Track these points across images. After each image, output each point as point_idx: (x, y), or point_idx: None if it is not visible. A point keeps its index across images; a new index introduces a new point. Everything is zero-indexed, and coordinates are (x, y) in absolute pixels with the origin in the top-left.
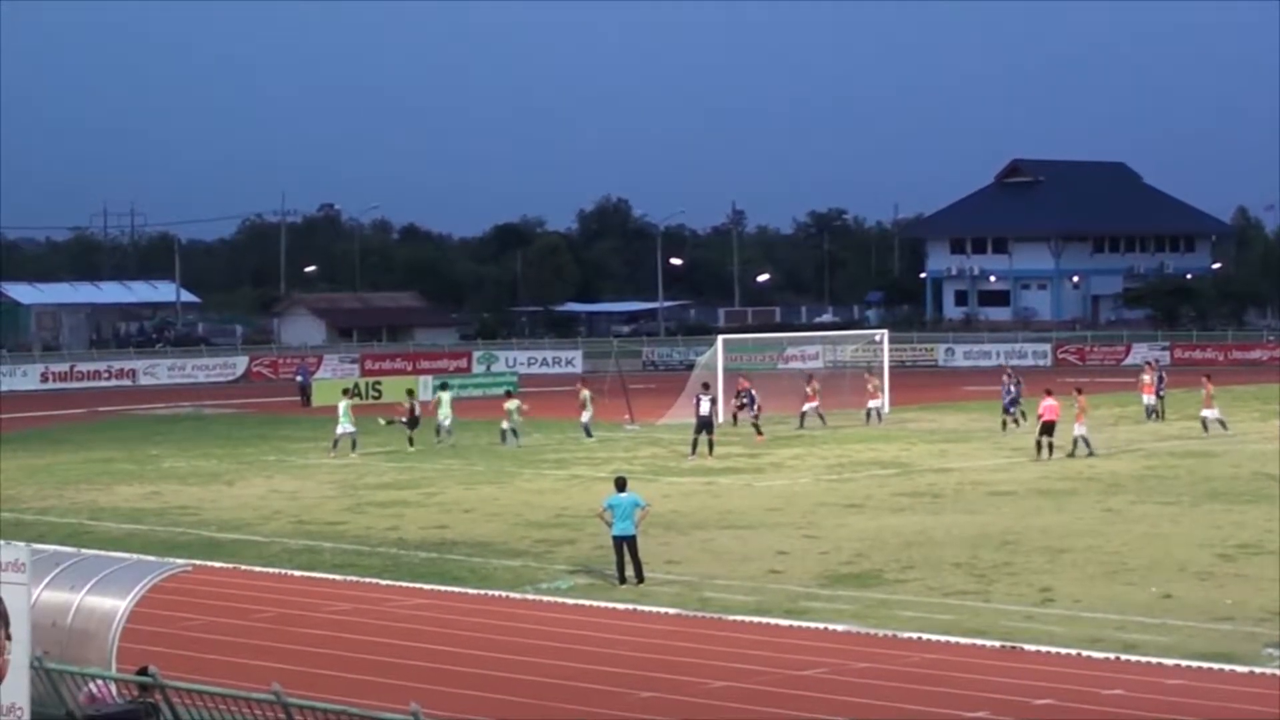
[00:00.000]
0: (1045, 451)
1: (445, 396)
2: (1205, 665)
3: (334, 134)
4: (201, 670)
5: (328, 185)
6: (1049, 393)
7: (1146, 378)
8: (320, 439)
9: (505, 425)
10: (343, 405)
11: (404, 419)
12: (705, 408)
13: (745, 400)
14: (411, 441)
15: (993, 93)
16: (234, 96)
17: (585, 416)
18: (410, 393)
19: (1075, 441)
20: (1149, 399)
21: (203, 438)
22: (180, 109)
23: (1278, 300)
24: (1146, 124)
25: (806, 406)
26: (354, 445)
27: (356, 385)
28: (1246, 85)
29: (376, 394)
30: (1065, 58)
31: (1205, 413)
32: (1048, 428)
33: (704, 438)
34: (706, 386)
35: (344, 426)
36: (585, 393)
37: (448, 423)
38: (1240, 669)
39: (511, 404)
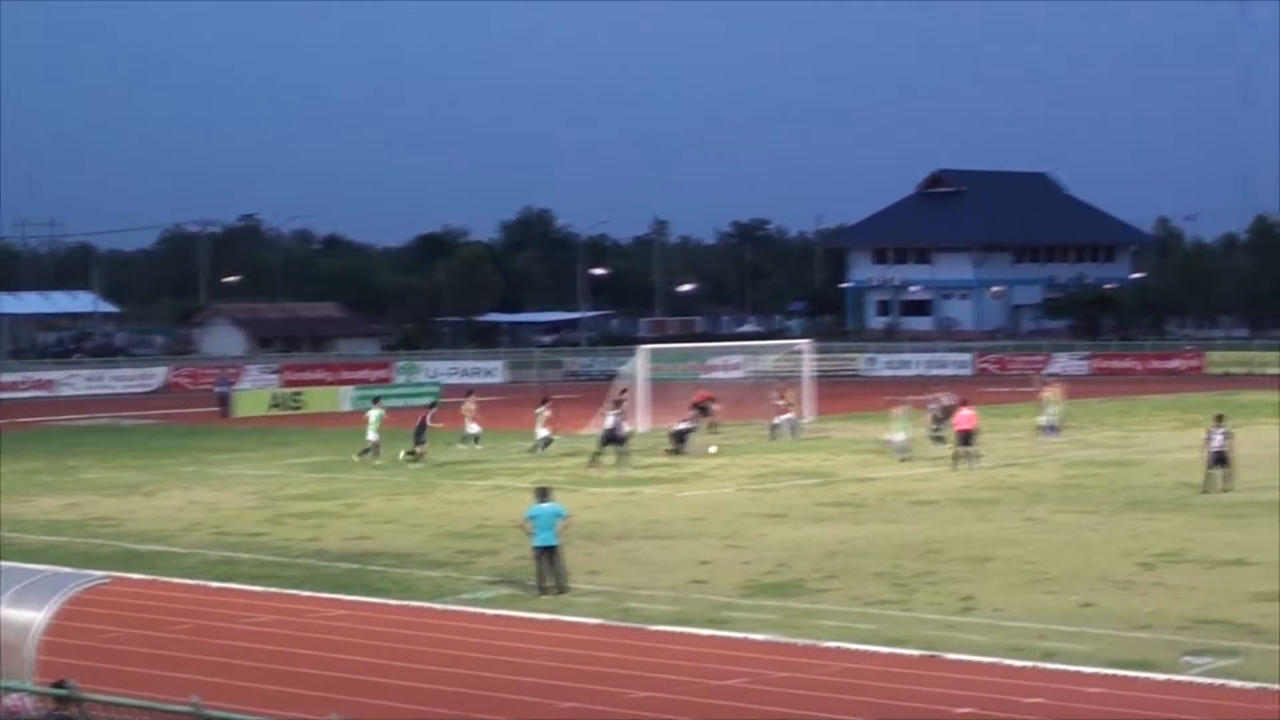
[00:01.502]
0: (964, 462)
1: (374, 414)
2: (1125, 673)
3: (256, 143)
4: (120, 683)
5: (249, 195)
6: (965, 403)
7: (1047, 392)
8: (241, 450)
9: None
10: (374, 414)
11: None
12: (611, 421)
13: (700, 411)
14: (416, 457)
15: (915, 103)
16: (155, 105)
17: (542, 432)
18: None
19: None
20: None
21: (121, 449)
22: (100, 117)
23: (1197, 310)
24: (1068, 134)
25: (780, 419)
26: (377, 453)
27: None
28: (1168, 96)
29: (296, 405)
30: (987, 68)
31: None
32: (965, 438)
33: (612, 450)
34: (619, 403)
35: (374, 435)
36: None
37: (375, 438)
38: (1160, 677)
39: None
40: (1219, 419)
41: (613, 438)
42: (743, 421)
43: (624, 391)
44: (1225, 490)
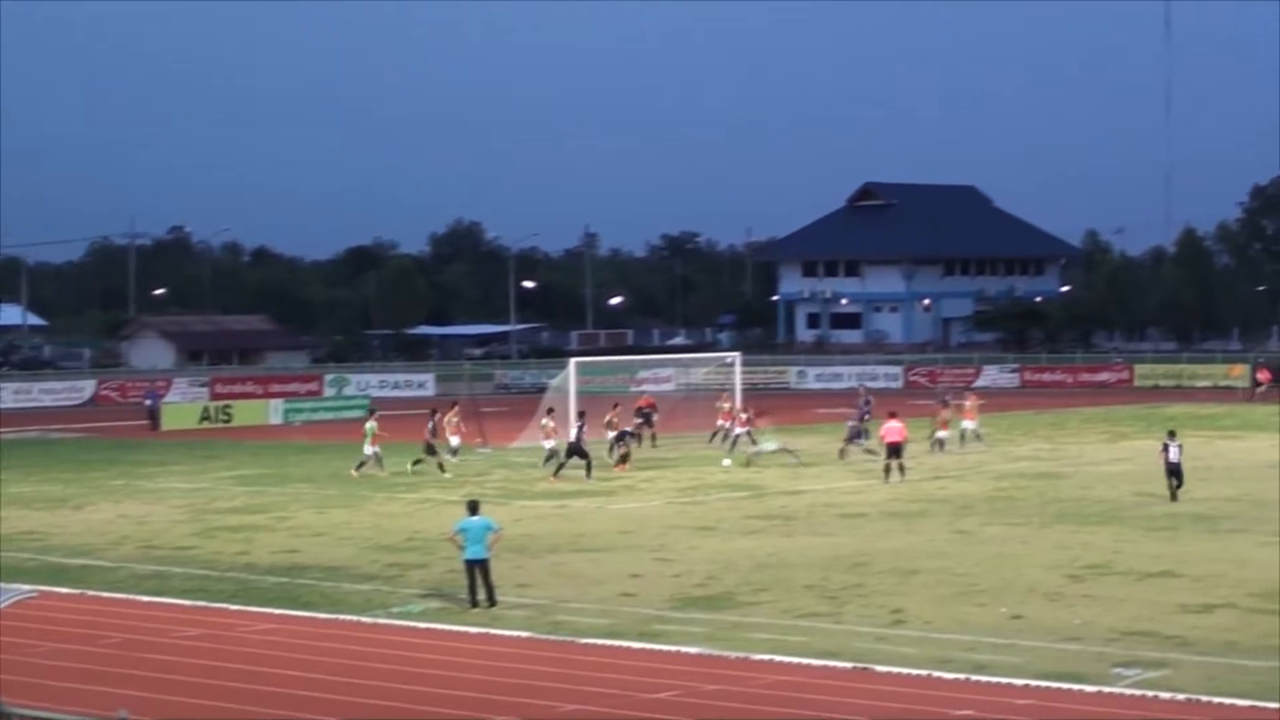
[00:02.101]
0: (894, 474)
1: (369, 426)
2: (1054, 685)
3: (184, 155)
4: (48, 697)
5: (178, 207)
6: (893, 415)
7: (967, 403)
8: (170, 463)
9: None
10: (369, 426)
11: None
12: (574, 434)
13: (644, 419)
14: (442, 467)
15: (844, 116)
16: (82, 116)
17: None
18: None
19: (963, 435)
20: (969, 424)
21: (49, 462)
22: (27, 129)
23: (1126, 323)
24: (996, 147)
25: (738, 430)
26: (361, 465)
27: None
28: (1097, 109)
29: (226, 418)
30: (916, 81)
31: (965, 424)
32: (894, 450)
33: (577, 461)
34: (581, 414)
35: (369, 448)
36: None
37: (371, 451)
38: (1089, 689)
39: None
40: (1171, 434)
41: (578, 449)
42: (674, 434)
43: (582, 413)
44: (1174, 499)
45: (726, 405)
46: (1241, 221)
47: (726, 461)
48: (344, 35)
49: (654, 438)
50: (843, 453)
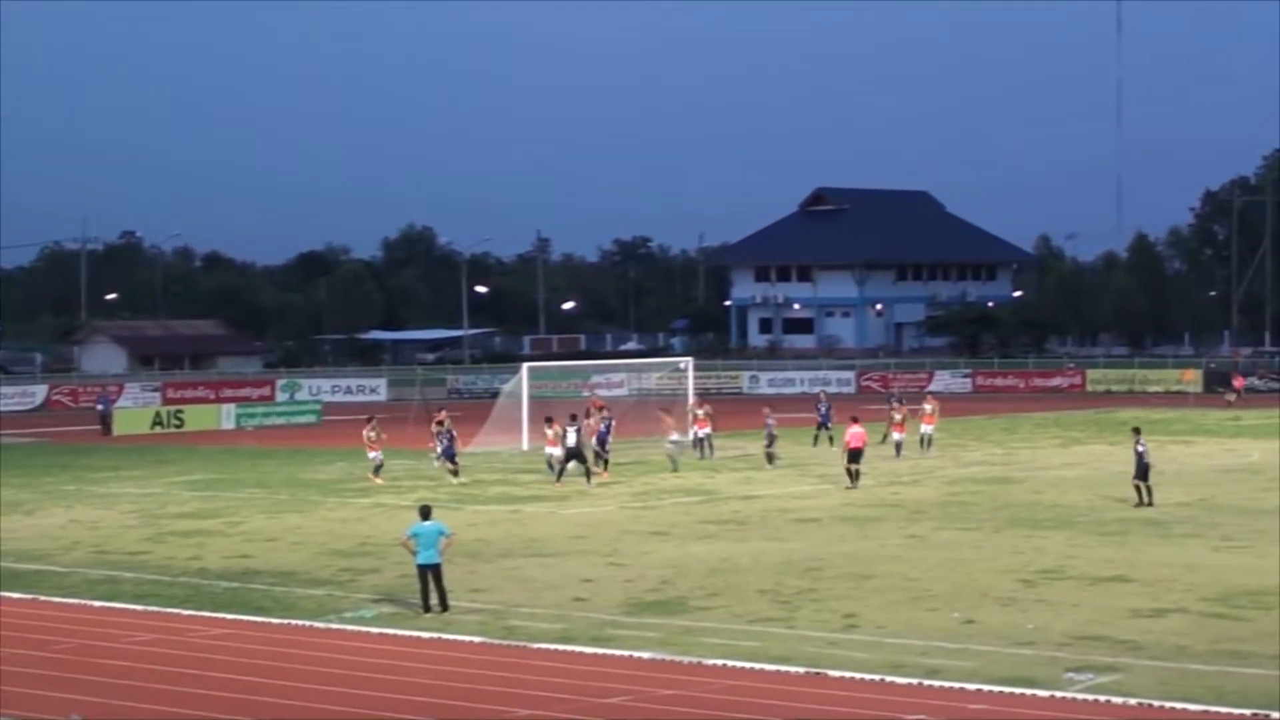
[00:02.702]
0: (855, 479)
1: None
2: (1007, 690)
3: (136, 160)
4: (1, 703)
5: (130, 212)
6: (855, 420)
7: (927, 408)
8: (122, 468)
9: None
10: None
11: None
12: (572, 438)
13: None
14: (455, 474)
15: (796, 121)
16: (33, 122)
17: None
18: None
19: (922, 440)
20: (928, 428)
21: (1, 467)
22: None
23: (1078, 328)
24: (949, 153)
25: (701, 432)
26: (379, 468)
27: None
28: (1049, 114)
29: (178, 423)
30: (868, 86)
31: (924, 429)
32: (854, 455)
33: (576, 465)
34: (574, 417)
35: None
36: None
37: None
38: (1042, 693)
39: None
40: (1137, 431)
41: (576, 453)
42: (627, 439)
43: (574, 416)
44: (1140, 504)
45: (702, 411)
46: (1193, 227)
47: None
48: (297, 40)
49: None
50: (770, 458)
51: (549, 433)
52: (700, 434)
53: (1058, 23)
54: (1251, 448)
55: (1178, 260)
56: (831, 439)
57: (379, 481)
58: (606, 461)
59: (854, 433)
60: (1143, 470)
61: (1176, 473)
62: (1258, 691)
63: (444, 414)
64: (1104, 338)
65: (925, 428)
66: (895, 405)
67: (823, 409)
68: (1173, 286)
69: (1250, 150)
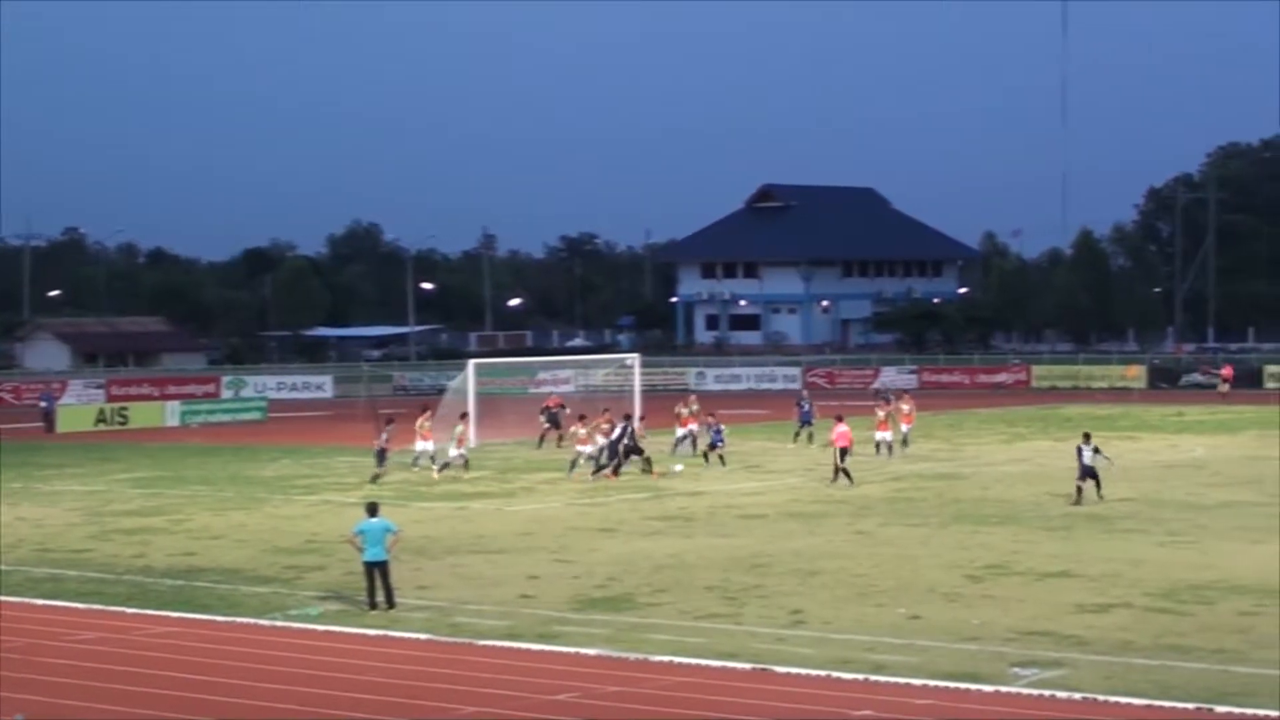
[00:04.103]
0: (844, 477)
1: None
2: (953, 685)
3: (79, 156)
4: None
5: (73, 208)
6: (840, 419)
7: (905, 406)
8: (66, 465)
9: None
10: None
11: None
12: (616, 433)
13: (550, 421)
14: (376, 479)
15: (743, 118)
16: None
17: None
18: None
19: (898, 443)
20: (904, 427)
21: None
22: None
23: (1023, 325)
24: (895, 150)
25: (682, 430)
26: (434, 460)
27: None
28: (994, 112)
29: (122, 420)
30: (815, 83)
31: (904, 428)
32: (842, 454)
33: (637, 460)
34: (627, 417)
35: (423, 445)
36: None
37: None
38: (987, 688)
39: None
40: (1087, 437)
41: (628, 449)
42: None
43: (627, 416)
44: (1100, 499)
45: (686, 410)
46: (1137, 224)
47: (678, 467)
48: (240, 35)
49: (560, 439)
50: (707, 457)
51: (580, 432)
52: (683, 432)
53: (1003, 21)
54: (1195, 443)
55: (1122, 257)
56: (811, 437)
57: (436, 475)
58: (619, 465)
59: (841, 431)
60: (1086, 471)
61: (1121, 469)
62: (1201, 685)
63: (429, 414)
64: (1049, 334)
65: (902, 426)
66: (880, 403)
67: (804, 407)
68: (1117, 283)
69: (1194, 148)
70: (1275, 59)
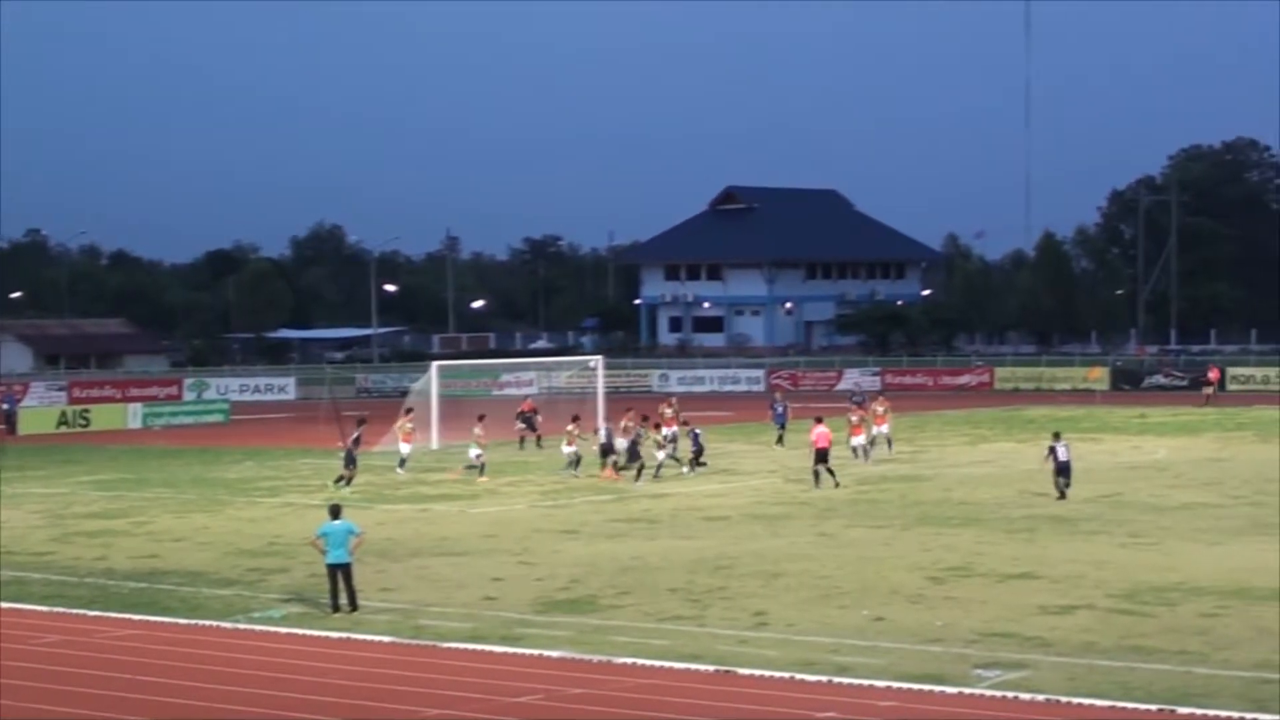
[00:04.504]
0: (825, 479)
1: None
2: (916, 686)
3: (41, 158)
4: None
5: (35, 210)
6: (819, 420)
7: (880, 409)
8: (27, 468)
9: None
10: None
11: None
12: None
13: (526, 423)
14: (346, 481)
15: (706, 119)
16: None
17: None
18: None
19: (879, 441)
20: (883, 429)
21: None
22: None
23: (986, 326)
24: (858, 151)
25: (667, 430)
26: (482, 469)
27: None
28: (958, 113)
29: (84, 422)
30: (778, 85)
31: (879, 430)
32: (821, 455)
33: (683, 459)
34: (646, 418)
35: (477, 451)
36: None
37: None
38: (950, 690)
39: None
40: (1057, 435)
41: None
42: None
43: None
44: (1062, 498)
45: (669, 411)
46: (1100, 226)
47: (685, 468)
48: (202, 35)
49: (539, 439)
50: (693, 464)
51: (571, 431)
52: (669, 432)
53: (967, 23)
54: (1158, 445)
55: (1085, 259)
56: (781, 439)
57: (483, 480)
58: (618, 465)
59: (820, 433)
60: (1063, 468)
61: (1084, 470)
62: (1164, 686)
63: (410, 415)
64: (1012, 336)
65: (879, 428)
66: (854, 406)
67: (778, 409)
68: (1080, 285)
69: (1156, 151)
70: (1237, 62)
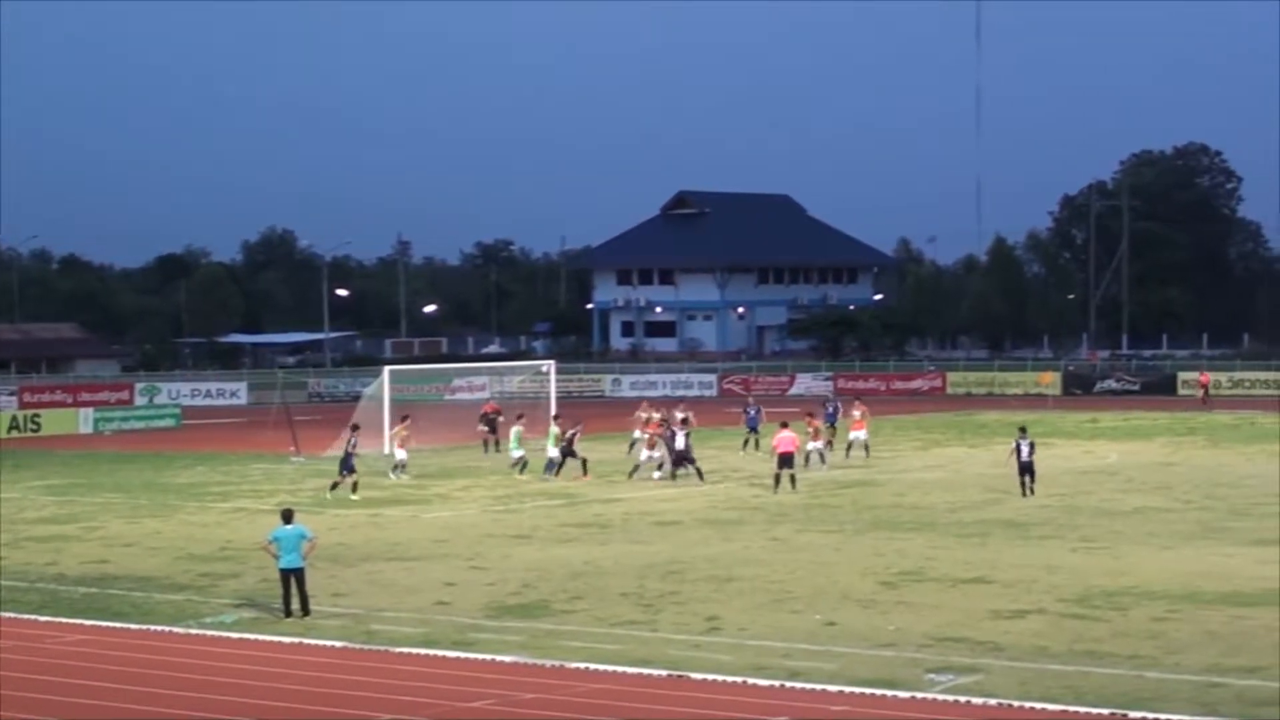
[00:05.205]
0: (787, 484)
1: (515, 431)
2: (868, 691)
3: None
4: None
5: None
6: (784, 425)
7: (856, 413)
8: None
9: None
10: (515, 431)
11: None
12: (681, 441)
13: (488, 425)
14: (350, 487)
15: (658, 125)
16: None
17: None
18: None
19: (854, 445)
20: (860, 434)
21: None
22: None
23: (938, 331)
24: (810, 156)
25: (638, 434)
26: (524, 467)
27: (521, 415)
28: (909, 118)
29: (35, 427)
30: (730, 90)
31: (856, 435)
32: (785, 460)
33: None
34: (685, 421)
35: (517, 451)
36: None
37: (518, 454)
38: (903, 694)
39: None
40: (1023, 430)
41: (686, 456)
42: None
43: (646, 405)
44: (1030, 494)
45: (645, 415)
46: (1051, 231)
47: (658, 473)
48: (152, 36)
49: (498, 444)
50: (746, 444)
51: (553, 432)
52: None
53: (917, 27)
54: (1109, 449)
55: (1037, 264)
56: (757, 444)
57: (522, 478)
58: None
59: (783, 437)
60: (1025, 467)
61: (1037, 475)
62: (1115, 691)
63: (407, 421)
64: (964, 340)
65: (856, 434)
66: (816, 409)
67: (750, 413)
68: (1032, 290)
69: (1108, 156)
70: (1189, 68)
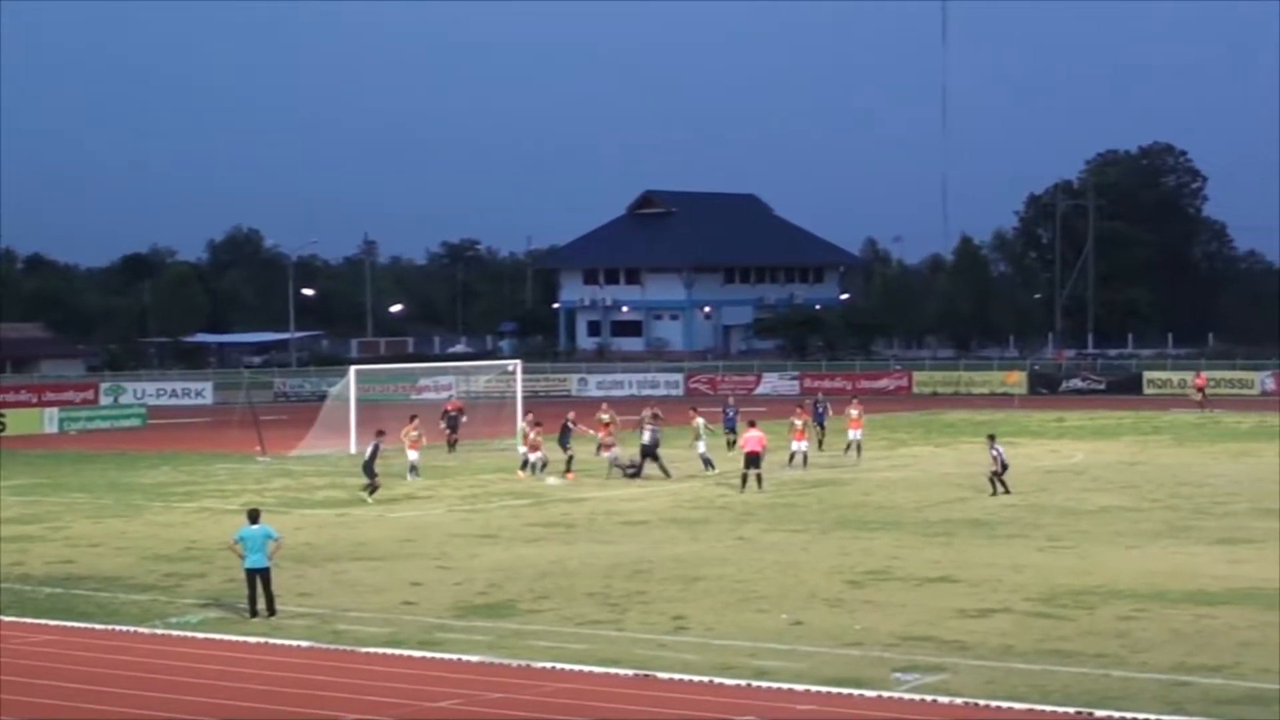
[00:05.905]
0: (754, 483)
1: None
2: (835, 690)
3: None
4: None
5: None
6: (752, 424)
7: (854, 412)
8: None
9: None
10: (520, 429)
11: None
12: (648, 436)
13: (449, 426)
14: (371, 490)
15: (624, 124)
16: None
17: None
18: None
19: (849, 446)
20: (856, 433)
21: None
22: None
23: (904, 331)
24: (776, 156)
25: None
26: (541, 467)
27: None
28: (875, 118)
29: (0, 427)
30: (696, 90)
31: (851, 434)
32: (752, 460)
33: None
34: (656, 416)
35: (413, 455)
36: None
37: (535, 457)
38: (869, 693)
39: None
40: (992, 438)
41: (651, 452)
42: (474, 440)
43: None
44: (1006, 493)
45: (605, 417)
46: (1017, 230)
47: (551, 479)
48: (115, 37)
49: (454, 443)
50: (730, 444)
51: (531, 434)
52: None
53: (883, 25)
54: (1075, 449)
55: (1003, 263)
56: (734, 443)
57: (551, 481)
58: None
59: (750, 436)
60: (1004, 468)
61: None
62: (1081, 689)
63: (416, 421)
64: (930, 340)
65: (852, 433)
66: (799, 410)
67: (729, 413)
68: (998, 289)
69: (1074, 156)
70: (1154, 67)
